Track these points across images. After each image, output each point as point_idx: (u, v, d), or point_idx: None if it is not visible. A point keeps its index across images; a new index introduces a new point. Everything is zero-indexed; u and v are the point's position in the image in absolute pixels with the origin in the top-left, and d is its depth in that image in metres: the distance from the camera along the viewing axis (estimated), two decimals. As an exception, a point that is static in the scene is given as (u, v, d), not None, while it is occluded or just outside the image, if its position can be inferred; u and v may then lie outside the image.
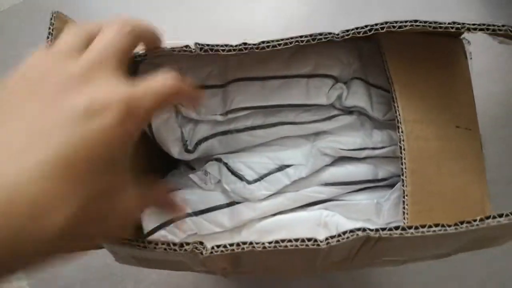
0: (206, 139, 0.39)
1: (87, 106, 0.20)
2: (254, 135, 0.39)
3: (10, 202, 0.18)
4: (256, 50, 0.31)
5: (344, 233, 0.26)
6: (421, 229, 0.26)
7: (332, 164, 0.39)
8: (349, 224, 0.36)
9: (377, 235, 0.26)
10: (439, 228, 0.26)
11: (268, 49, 0.31)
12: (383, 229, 0.26)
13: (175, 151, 0.38)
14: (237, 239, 0.37)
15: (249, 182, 0.37)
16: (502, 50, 0.64)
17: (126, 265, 0.37)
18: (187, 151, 0.38)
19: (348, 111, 0.40)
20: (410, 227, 0.26)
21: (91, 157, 0.20)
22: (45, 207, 0.19)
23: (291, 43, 0.30)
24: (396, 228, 0.26)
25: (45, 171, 0.19)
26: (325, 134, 0.39)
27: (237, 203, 0.38)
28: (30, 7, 0.83)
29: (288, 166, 0.38)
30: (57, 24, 0.32)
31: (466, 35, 0.38)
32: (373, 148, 0.38)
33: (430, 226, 0.26)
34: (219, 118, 0.38)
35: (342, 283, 0.61)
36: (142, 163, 0.39)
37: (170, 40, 0.31)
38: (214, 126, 0.39)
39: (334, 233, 0.35)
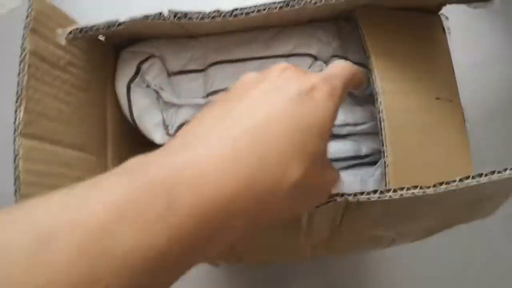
0: (188, 122, 0.38)
1: (299, 89, 0.23)
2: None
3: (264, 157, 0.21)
4: (230, 18, 0.31)
5: (326, 203, 0.26)
6: (399, 192, 0.25)
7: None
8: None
9: (355, 199, 0.25)
10: (418, 190, 0.25)
11: (242, 16, 0.30)
12: (361, 193, 0.25)
13: (157, 136, 0.37)
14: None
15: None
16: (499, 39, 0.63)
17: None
18: (169, 135, 0.38)
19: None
20: (388, 190, 0.25)
21: (313, 124, 0.23)
22: (285, 163, 0.21)
23: (264, 9, 0.30)
24: (375, 191, 0.25)
25: (285, 137, 0.21)
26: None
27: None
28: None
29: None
30: (36, 6, 0.32)
31: (444, 11, 0.38)
32: (355, 124, 0.38)
33: (408, 189, 0.25)
34: (200, 101, 0.38)
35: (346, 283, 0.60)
36: (125, 155, 0.38)
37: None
38: (195, 110, 0.38)
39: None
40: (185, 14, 0.31)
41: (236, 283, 0.61)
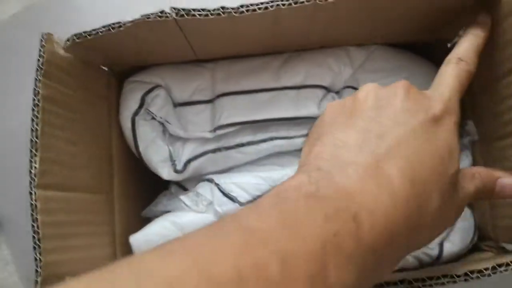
0: (195, 158, 0.37)
1: (431, 116, 0.23)
2: (244, 152, 0.37)
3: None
4: (235, 15, 0.29)
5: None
6: (428, 282, 0.25)
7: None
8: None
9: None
10: (448, 279, 0.25)
11: (248, 13, 0.29)
12: (388, 284, 0.25)
13: (164, 172, 0.36)
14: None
15: (241, 204, 0.35)
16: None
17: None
18: (176, 171, 0.36)
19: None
20: (416, 280, 0.25)
21: (444, 151, 0.23)
22: (423, 197, 0.21)
23: (271, 6, 0.28)
24: (402, 282, 0.25)
25: (429, 169, 0.22)
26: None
27: (230, 225, 0.36)
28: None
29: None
30: (48, 47, 0.30)
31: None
32: None
33: (438, 278, 0.25)
34: (208, 135, 0.37)
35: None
36: (132, 191, 0.37)
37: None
38: (203, 144, 0.37)
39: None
40: (187, 12, 0.29)
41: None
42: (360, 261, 0.18)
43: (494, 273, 0.25)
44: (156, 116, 0.36)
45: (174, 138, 0.37)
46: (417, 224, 0.21)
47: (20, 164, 0.76)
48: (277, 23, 0.31)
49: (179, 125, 0.37)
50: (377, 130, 0.22)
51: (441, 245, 0.34)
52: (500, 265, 0.25)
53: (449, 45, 0.38)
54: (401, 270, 0.32)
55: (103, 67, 0.37)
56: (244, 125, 0.36)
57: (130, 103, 0.36)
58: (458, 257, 0.34)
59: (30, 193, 0.27)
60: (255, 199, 0.35)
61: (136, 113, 0.36)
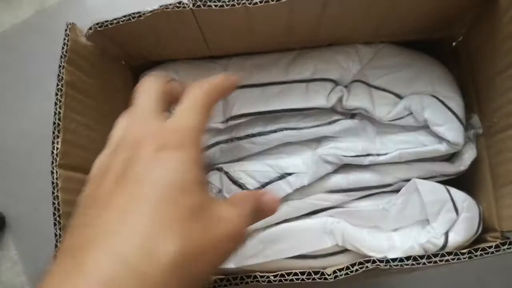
0: (208, 148, 0.38)
1: (145, 153, 0.21)
2: (255, 142, 0.38)
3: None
4: (249, 6, 0.30)
5: (353, 265, 0.26)
6: (433, 259, 0.26)
7: (336, 171, 0.38)
8: (355, 231, 0.36)
9: (387, 266, 0.26)
10: (452, 256, 0.25)
11: (261, 4, 0.30)
12: (394, 260, 0.26)
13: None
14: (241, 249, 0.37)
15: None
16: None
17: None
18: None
19: (350, 114, 0.39)
20: (422, 257, 0.26)
21: (173, 189, 0.20)
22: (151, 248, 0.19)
23: None
24: (407, 258, 0.26)
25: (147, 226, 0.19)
26: (327, 141, 0.38)
27: (241, 212, 0.37)
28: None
29: (289, 174, 0.37)
30: (72, 35, 0.32)
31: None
32: (378, 155, 0.37)
33: (443, 255, 0.26)
34: (220, 126, 0.38)
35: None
36: None
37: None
38: (215, 135, 0.38)
39: (339, 241, 0.36)
40: (204, 3, 0.30)
41: None
42: None
43: (498, 251, 0.25)
44: (169, 108, 0.37)
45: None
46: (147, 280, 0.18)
47: (29, 165, 0.77)
48: (290, 14, 0.32)
49: (192, 117, 0.38)
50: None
51: (446, 235, 0.34)
52: (503, 244, 0.26)
53: (454, 43, 0.40)
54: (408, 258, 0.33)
55: (120, 61, 0.38)
56: (255, 116, 0.37)
57: (144, 96, 0.38)
58: (463, 248, 0.35)
59: (52, 172, 0.28)
60: (263, 186, 0.37)
61: (149, 106, 0.38)
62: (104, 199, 0.21)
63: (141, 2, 0.66)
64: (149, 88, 0.26)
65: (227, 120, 0.38)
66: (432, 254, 0.26)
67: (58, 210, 0.28)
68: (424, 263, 0.25)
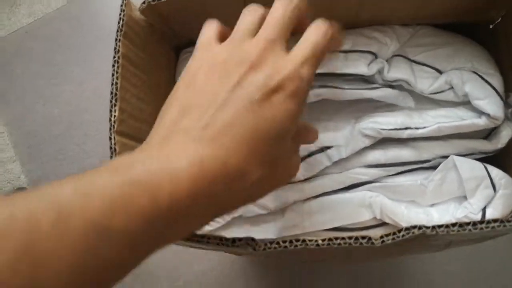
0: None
1: (263, 86, 0.24)
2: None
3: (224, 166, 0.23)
4: None
5: (400, 231, 0.27)
6: (479, 225, 0.26)
7: (374, 146, 0.39)
8: (393, 206, 0.37)
9: (433, 232, 0.26)
10: (498, 223, 0.26)
11: None
12: (440, 227, 0.26)
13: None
14: (280, 220, 0.38)
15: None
16: None
17: (161, 264, 0.37)
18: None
19: (390, 85, 0.39)
20: (468, 224, 0.26)
21: (272, 129, 0.24)
22: (244, 168, 0.23)
23: None
24: (453, 225, 0.26)
25: (245, 144, 0.23)
26: (366, 117, 0.39)
27: (281, 184, 0.38)
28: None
29: (328, 148, 0.38)
30: (127, 10, 0.33)
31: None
32: (416, 128, 0.37)
33: (488, 222, 0.26)
34: None
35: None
36: None
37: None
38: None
39: (378, 214, 0.36)
40: None
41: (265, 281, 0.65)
42: (153, 218, 0.20)
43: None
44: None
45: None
46: (228, 194, 0.23)
47: (59, 150, 0.79)
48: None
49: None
50: (202, 104, 0.24)
51: (484, 210, 0.35)
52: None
53: (491, 26, 0.40)
54: (454, 224, 0.34)
55: (166, 39, 0.39)
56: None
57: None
58: (500, 224, 0.36)
59: (110, 138, 0.30)
60: (302, 159, 0.37)
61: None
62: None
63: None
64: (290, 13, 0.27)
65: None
66: (478, 221, 0.26)
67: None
68: (470, 230, 0.26)
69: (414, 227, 0.27)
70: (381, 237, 0.27)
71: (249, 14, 0.27)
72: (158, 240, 0.22)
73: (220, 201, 0.23)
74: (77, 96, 0.82)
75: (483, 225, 0.26)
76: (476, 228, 0.26)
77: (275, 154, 0.25)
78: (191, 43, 0.41)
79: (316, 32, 0.26)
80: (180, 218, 0.22)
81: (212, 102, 0.24)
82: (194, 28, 0.38)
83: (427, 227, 0.27)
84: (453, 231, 0.26)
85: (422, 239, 0.28)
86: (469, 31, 0.40)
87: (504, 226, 0.26)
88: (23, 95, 0.83)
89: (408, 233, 0.27)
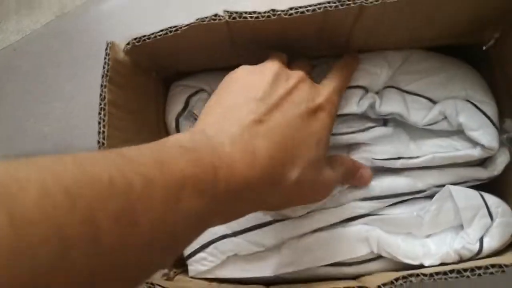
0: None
1: (307, 108, 0.30)
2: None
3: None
4: (285, 17, 0.31)
5: (397, 279, 0.27)
6: (477, 271, 0.26)
7: (368, 177, 0.38)
8: (390, 239, 0.36)
9: (431, 280, 0.26)
10: (497, 269, 0.26)
11: (297, 15, 0.31)
12: (438, 274, 0.26)
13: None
14: (276, 257, 0.37)
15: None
16: None
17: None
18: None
19: (383, 120, 0.39)
20: (465, 270, 0.26)
21: (314, 137, 0.29)
22: (288, 166, 0.27)
23: (319, 9, 0.30)
24: (451, 271, 0.26)
25: (291, 145, 0.28)
26: (359, 146, 0.38)
27: (277, 221, 0.37)
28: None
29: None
30: (112, 54, 0.32)
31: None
32: (409, 158, 0.37)
33: (487, 268, 0.26)
34: None
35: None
36: None
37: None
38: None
39: (375, 248, 0.36)
40: (239, 15, 0.31)
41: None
42: (211, 200, 0.23)
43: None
44: (198, 117, 0.38)
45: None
46: (271, 188, 0.27)
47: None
48: (323, 25, 0.33)
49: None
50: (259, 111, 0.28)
51: (481, 240, 0.35)
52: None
53: (484, 47, 0.40)
54: (442, 264, 0.33)
55: (152, 73, 0.39)
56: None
57: (175, 104, 0.39)
58: (497, 254, 0.35)
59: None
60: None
61: (180, 114, 0.39)
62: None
63: (155, 5, 0.67)
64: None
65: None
66: (476, 267, 0.26)
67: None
68: (467, 276, 0.26)
69: (412, 275, 0.26)
70: (379, 286, 0.26)
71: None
72: (210, 216, 0.24)
73: (264, 192, 0.27)
74: (67, 113, 0.81)
75: (481, 271, 0.26)
76: (474, 274, 0.26)
77: (313, 160, 0.29)
78: (179, 73, 0.41)
79: (347, 67, 0.36)
80: (232, 201, 0.25)
81: (262, 101, 0.28)
82: (180, 59, 0.38)
83: (425, 275, 0.26)
84: (451, 277, 0.26)
85: (420, 285, 0.28)
86: (462, 52, 0.40)
87: (503, 271, 0.26)
88: (13, 114, 0.82)
89: (405, 281, 0.26)
